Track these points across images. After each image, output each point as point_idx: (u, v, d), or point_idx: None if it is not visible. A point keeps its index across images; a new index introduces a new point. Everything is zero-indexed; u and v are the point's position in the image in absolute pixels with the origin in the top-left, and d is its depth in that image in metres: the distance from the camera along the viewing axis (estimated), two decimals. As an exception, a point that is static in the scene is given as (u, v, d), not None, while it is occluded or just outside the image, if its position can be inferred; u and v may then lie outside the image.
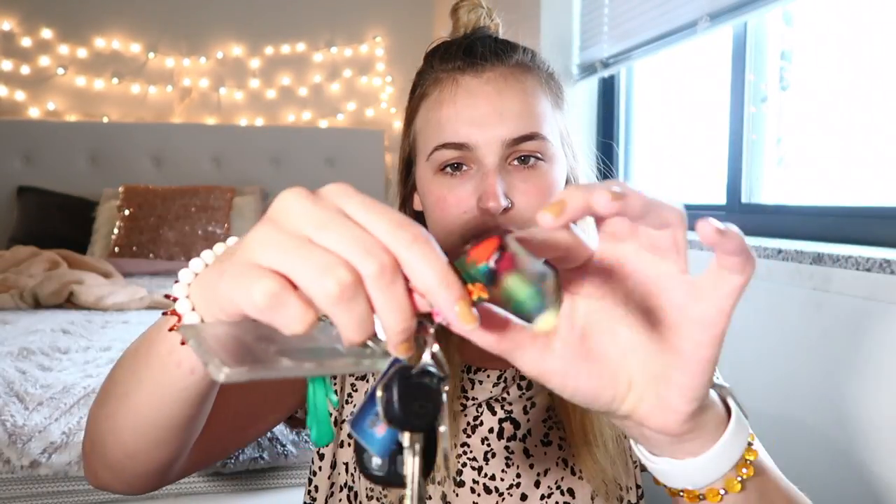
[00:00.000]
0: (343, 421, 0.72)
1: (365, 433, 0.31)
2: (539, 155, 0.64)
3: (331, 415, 0.38)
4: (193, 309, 0.38)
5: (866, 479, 1.08)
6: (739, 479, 0.39)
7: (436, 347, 0.31)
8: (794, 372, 1.23)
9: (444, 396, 0.31)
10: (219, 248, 0.40)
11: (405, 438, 0.30)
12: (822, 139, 1.55)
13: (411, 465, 0.30)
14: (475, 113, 0.63)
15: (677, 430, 0.37)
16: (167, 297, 0.41)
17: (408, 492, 0.30)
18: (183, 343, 0.39)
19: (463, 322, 0.28)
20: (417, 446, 0.30)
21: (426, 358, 0.31)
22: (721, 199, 1.76)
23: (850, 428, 1.11)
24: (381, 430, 0.31)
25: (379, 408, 0.30)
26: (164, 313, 0.41)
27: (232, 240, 0.40)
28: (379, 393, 0.30)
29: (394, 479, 0.32)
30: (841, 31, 1.50)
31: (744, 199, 1.69)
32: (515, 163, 0.64)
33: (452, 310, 0.28)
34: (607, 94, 2.36)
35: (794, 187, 1.62)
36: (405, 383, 0.30)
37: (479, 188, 0.62)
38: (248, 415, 0.66)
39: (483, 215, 0.62)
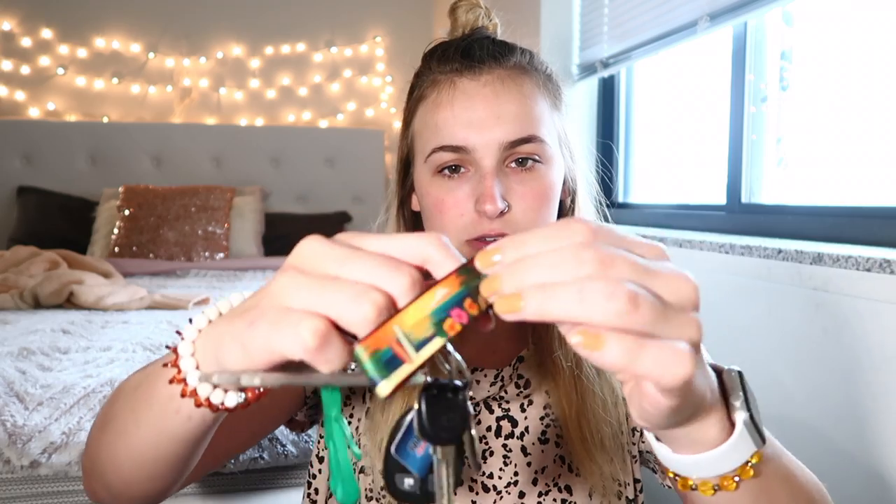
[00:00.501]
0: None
1: (408, 455, 0.34)
2: (536, 157, 0.64)
3: (354, 469, 0.39)
4: (197, 367, 0.39)
5: (867, 478, 1.08)
6: (736, 479, 0.39)
7: (457, 356, 0.34)
8: (794, 372, 1.23)
9: (469, 404, 0.33)
10: (222, 304, 0.41)
11: (438, 452, 0.33)
12: (822, 139, 1.55)
13: (445, 477, 0.33)
14: (473, 116, 0.63)
15: (648, 427, 0.37)
16: (168, 347, 0.42)
17: (445, 501, 0.33)
18: (183, 395, 0.40)
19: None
20: (450, 458, 0.33)
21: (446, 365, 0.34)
22: (721, 199, 1.76)
23: (851, 428, 1.11)
24: (420, 451, 0.34)
25: (415, 428, 0.33)
26: (165, 365, 0.41)
27: (236, 297, 0.41)
28: (411, 415, 0.33)
29: (426, 496, 0.34)
30: (841, 31, 1.50)
31: (744, 199, 1.69)
32: (513, 165, 0.64)
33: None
34: (607, 94, 2.36)
35: (794, 187, 1.62)
36: (431, 400, 0.32)
37: (477, 190, 0.62)
38: (247, 430, 0.66)
39: (480, 217, 0.62)
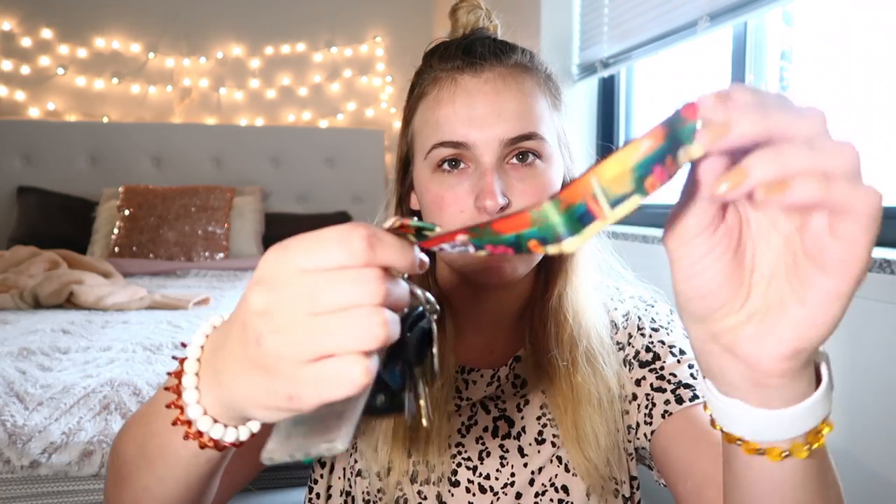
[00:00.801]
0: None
1: (389, 372, 0.36)
2: (536, 153, 0.64)
3: None
4: (215, 420, 0.39)
5: (868, 478, 1.08)
6: (807, 447, 0.37)
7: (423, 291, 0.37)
8: (793, 372, 1.23)
9: (432, 325, 0.37)
10: (197, 339, 0.40)
11: (416, 371, 0.37)
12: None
13: (422, 387, 0.37)
14: (473, 112, 0.63)
15: (768, 367, 0.34)
16: (168, 407, 0.41)
17: (422, 402, 0.37)
18: (203, 447, 0.40)
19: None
20: (420, 373, 0.37)
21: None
22: (721, 199, 1.75)
23: (851, 428, 1.11)
24: (399, 369, 0.36)
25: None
26: (175, 423, 0.41)
27: (206, 327, 0.40)
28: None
29: (397, 408, 0.36)
30: (841, 31, 1.50)
31: (744, 199, 1.69)
32: (513, 161, 0.64)
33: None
34: (607, 94, 2.36)
35: (793, 187, 1.62)
36: (407, 328, 0.35)
37: (477, 187, 0.62)
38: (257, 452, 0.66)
39: (480, 214, 0.62)
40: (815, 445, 0.37)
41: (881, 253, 1.11)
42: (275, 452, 0.33)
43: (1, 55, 3.14)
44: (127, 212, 2.90)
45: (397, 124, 3.46)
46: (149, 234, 2.87)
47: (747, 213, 0.34)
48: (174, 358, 0.42)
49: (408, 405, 0.35)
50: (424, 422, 0.36)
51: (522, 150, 0.63)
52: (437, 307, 0.37)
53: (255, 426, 0.40)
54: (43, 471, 1.06)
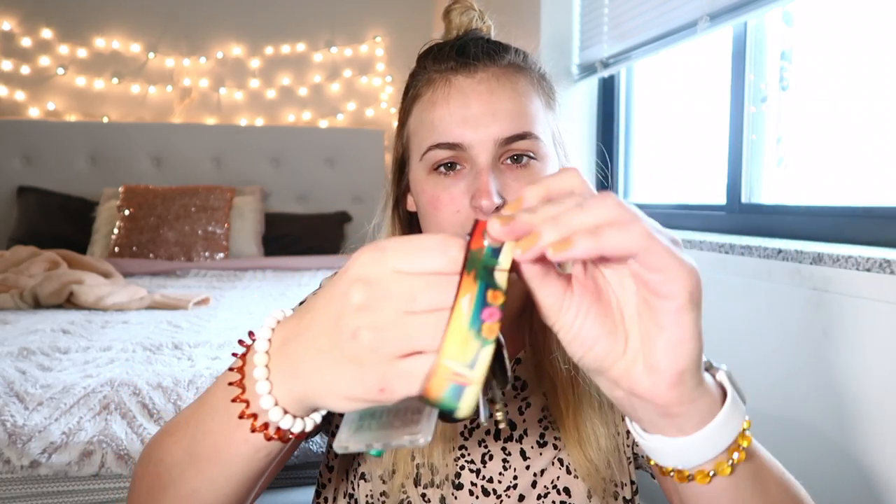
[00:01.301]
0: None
1: None
2: (531, 154, 0.64)
3: None
4: (286, 412, 0.40)
5: (866, 479, 1.08)
6: (730, 462, 0.40)
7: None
8: (794, 372, 1.23)
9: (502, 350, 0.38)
10: (264, 332, 0.41)
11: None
12: (822, 139, 1.55)
13: (497, 389, 0.38)
14: (468, 113, 0.63)
15: (664, 398, 0.37)
16: (231, 382, 0.42)
17: (500, 407, 0.38)
18: (268, 439, 0.41)
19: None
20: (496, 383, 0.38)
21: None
22: (721, 199, 1.76)
23: (850, 428, 1.11)
24: None
25: None
26: (241, 416, 0.41)
27: (271, 321, 0.41)
28: None
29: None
30: (841, 31, 1.50)
31: (744, 200, 1.69)
32: (508, 161, 0.64)
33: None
34: (607, 94, 2.36)
35: (794, 187, 1.62)
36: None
37: (473, 187, 0.62)
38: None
39: (476, 213, 0.62)
40: (738, 460, 0.40)
41: (881, 253, 1.11)
42: (349, 442, 0.34)
43: (1, 55, 3.14)
44: (127, 212, 2.90)
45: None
46: (149, 234, 2.87)
47: (601, 270, 0.38)
48: (234, 355, 0.42)
49: (482, 408, 0.36)
50: (502, 425, 0.38)
51: (517, 150, 0.63)
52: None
53: (318, 417, 0.41)
54: (43, 471, 1.06)
